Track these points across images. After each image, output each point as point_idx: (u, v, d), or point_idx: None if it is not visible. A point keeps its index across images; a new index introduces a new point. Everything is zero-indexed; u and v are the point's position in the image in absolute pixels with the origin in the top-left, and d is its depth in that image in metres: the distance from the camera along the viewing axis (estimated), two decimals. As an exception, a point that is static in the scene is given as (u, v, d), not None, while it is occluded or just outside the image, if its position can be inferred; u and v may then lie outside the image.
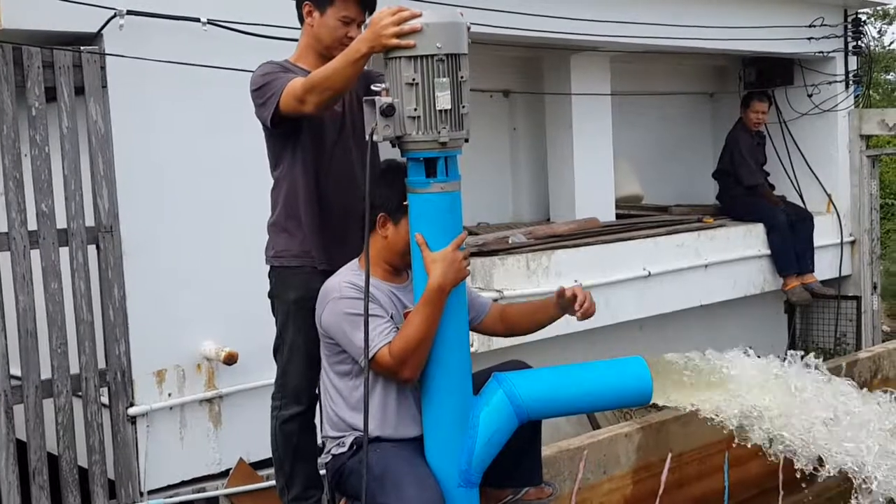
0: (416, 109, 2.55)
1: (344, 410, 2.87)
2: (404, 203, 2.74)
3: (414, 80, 2.54)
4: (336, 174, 3.06)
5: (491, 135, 6.97)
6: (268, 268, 3.20)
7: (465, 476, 2.76)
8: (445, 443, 2.78)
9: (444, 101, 2.54)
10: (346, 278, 2.80)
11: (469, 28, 2.63)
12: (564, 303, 3.03)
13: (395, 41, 2.53)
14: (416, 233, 2.69)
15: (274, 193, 3.14)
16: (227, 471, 4.54)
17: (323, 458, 2.99)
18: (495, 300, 5.41)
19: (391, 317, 2.80)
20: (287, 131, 2.97)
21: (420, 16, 2.54)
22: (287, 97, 2.81)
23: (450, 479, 2.76)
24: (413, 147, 2.61)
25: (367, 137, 2.58)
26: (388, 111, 2.53)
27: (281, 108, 2.85)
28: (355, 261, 2.91)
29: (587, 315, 3.01)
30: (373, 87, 2.62)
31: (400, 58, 2.55)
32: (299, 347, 3.10)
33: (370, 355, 2.68)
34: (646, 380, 2.90)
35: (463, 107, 2.60)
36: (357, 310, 2.70)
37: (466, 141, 2.66)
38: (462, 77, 2.59)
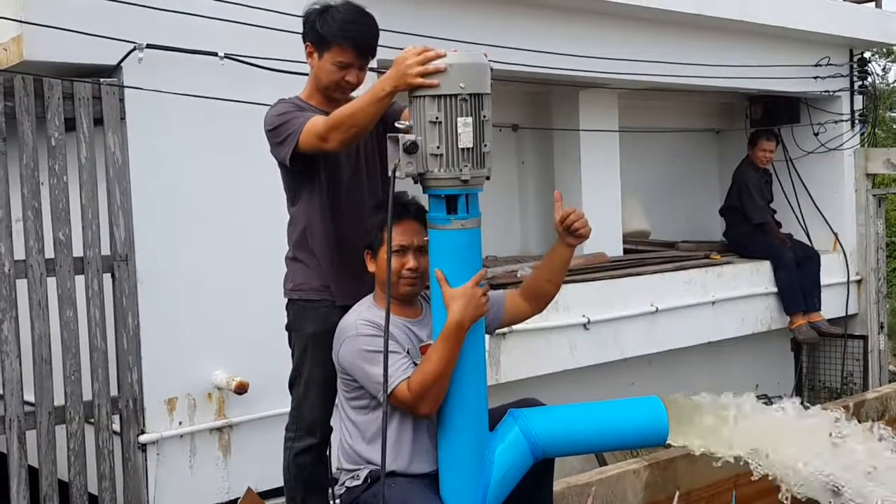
0: (438, 147, 2.57)
1: (360, 444, 2.88)
2: (380, 236, 2.81)
3: (437, 118, 2.56)
4: (351, 210, 3.09)
5: (499, 169, 7.02)
6: (283, 300, 3.22)
7: (479, 512, 2.77)
8: (461, 478, 2.77)
9: (466, 139, 2.56)
10: (362, 316, 2.83)
11: (492, 69, 2.67)
12: (563, 232, 2.98)
13: (419, 80, 2.56)
14: (436, 269, 2.72)
15: (290, 229, 3.17)
16: (236, 500, 4.52)
17: (337, 490, 3.00)
18: (504, 334, 5.47)
19: (407, 351, 2.82)
20: (304, 168, 3.01)
21: (444, 56, 2.58)
22: (308, 136, 2.84)
23: (464, 515, 2.77)
24: (435, 184, 2.63)
25: (390, 173, 2.61)
26: (412, 148, 2.56)
27: (300, 147, 2.87)
28: (369, 297, 2.94)
29: (579, 233, 2.95)
30: (396, 125, 2.65)
31: (424, 96, 2.58)
32: (316, 381, 3.10)
33: (389, 391, 2.70)
34: (662, 420, 2.90)
35: (485, 145, 2.62)
36: (373, 346, 2.73)
37: (488, 178, 2.69)
38: (485, 116, 2.61)
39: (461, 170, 2.59)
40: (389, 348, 2.72)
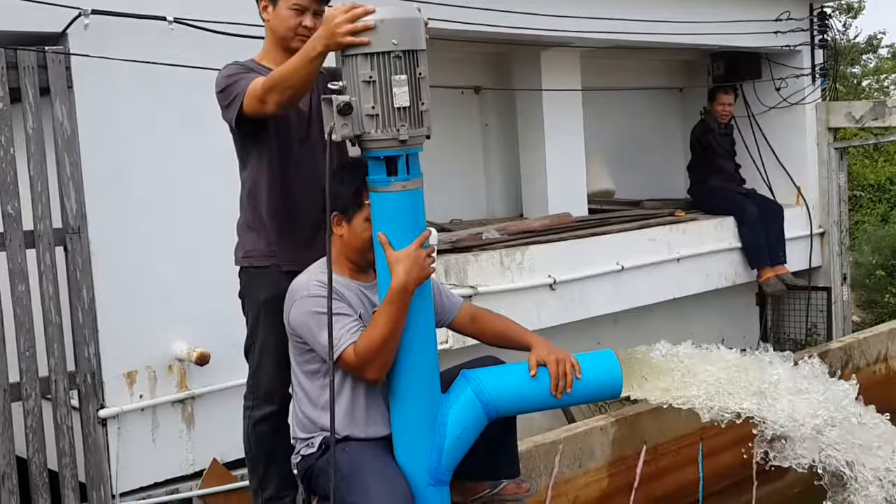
0: (373, 107, 2.49)
1: (312, 411, 2.85)
2: (358, 200, 2.72)
3: (371, 77, 2.48)
4: (302, 174, 3.03)
5: (462, 131, 6.98)
6: (238, 267, 3.18)
7: (434, 475, 2.74)
8: (414, 442, 2.76)
9: (402, 98, 2.49)
10: (315, 277, 2.78)
11: (427, 23, 2.59)
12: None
13: (349, 39, 2.48)
14: (378, 232, 2.66)
15: (242, 194, 3.13)
16: (201, 472, 4.50)
17: (293, 459, 2.97)
18: (469, 297, 5.45)
19: (360, 315, 2.78)
20: (252, 132, 2.95)
21: (374, 12, 2.49)
22: (249, 98, 2.79)
23: (419, 478, 2.74)
24: (372, 146, 2.56)
25: (326, 136, 2.55)
26: (346, 110, 2.48)
27: (244, 110, 2.82)
28: (324, 259, 2.89)
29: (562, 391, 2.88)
30: (330, 86, 2.57)
31: (356, 55, 2.50)
32: (270, 348, 3.08)
33: (336, 354, 2.67)
34: (616, 374, 2.89)
35: (422, 103, 2.55)
36: (324, 308, 2.68)
37: (428, 137, 2.62)
38: (420, 73, 2.53)
39: (398, 129, 2.52)
40: (340, 311, 2.70)
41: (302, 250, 3.00)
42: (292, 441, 3.00)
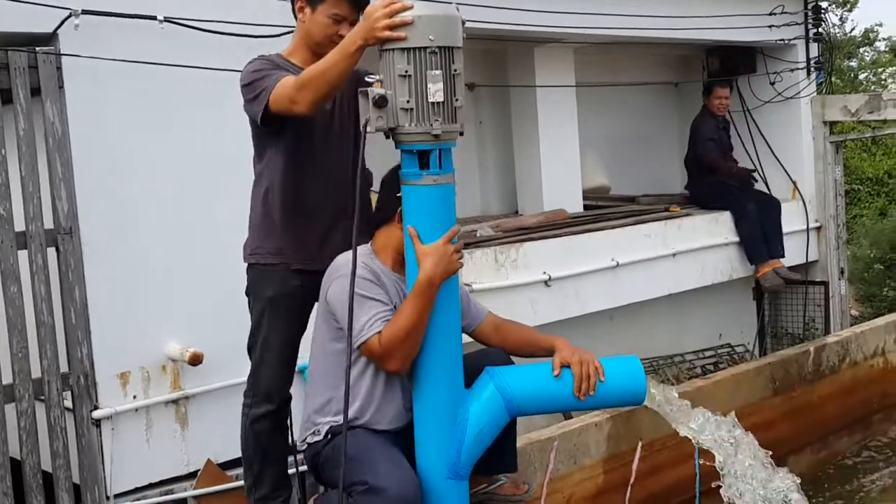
0: (408, 101, 2.57)
1: (332, 391, 2.85)
2: None
3: (407, 71, 2.56)
4: (321, 173, 3.03)
5: (457, 128, 6.94)
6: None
7: (454, 469, 2.79)
8: (435, 434, 2.79)
9: (436, 93, 2.57)
10: (361, 259, 2.79)
11: (464, 23, 2.66)
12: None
13: (387, 34, 2.56)
14: (408, 225, 2.71)
15: (254, 190, 3.12)
16: (195, 472, 4.48)
17: (300, 447, 2.98)
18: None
19: (395, 306, 2.80)
20: (276, 129, 2.94)
21: (412, 8, 2.56)
22: (278, 96, 2.79)
23: (439, 471, 2.78)
24: (406, 139, 2.63)
25: (361, 128, 2.60)
26: (381, 102, 2.56)
27: (271, 107, 2.82)
28: (368, 246, 2.92)
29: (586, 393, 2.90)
30: (367, 79, 2.64)
31: (393, 50, 2.56)
32: (272, 346, 3.09)
33: (362, 340, 2.70)
34: (640, 379, 2.89)
35: (457, 100, 2.64)
36: (364, 291, 2.73)
37: (461, 134, 2.69)
38: (455, 70, 2.63)
39: (432, 124, 2.60)
40: (377, 297, 2.74)
41: (313, 249, 3.00)
42: (306, 425, 2.98)
